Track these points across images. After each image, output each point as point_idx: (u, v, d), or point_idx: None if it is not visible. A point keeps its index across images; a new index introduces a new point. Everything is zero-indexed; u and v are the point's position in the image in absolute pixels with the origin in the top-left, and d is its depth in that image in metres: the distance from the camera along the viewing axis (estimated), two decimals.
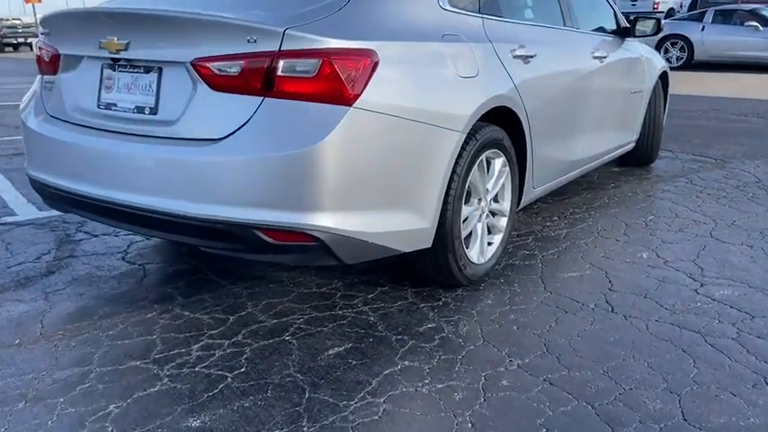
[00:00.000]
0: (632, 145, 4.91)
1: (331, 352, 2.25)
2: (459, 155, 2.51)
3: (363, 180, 2.15)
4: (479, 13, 2.83)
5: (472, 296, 2.73)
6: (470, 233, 2.78)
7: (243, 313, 2.54)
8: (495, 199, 2.97)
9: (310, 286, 2.79)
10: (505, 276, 2.94)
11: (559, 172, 3.57)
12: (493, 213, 2.96)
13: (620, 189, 4.60)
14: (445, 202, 2.48)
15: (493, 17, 2.91)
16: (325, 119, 2.03)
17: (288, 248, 2.13)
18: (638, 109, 4.67)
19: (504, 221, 2.99)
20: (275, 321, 2.46)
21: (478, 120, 2.61)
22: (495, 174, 2.85)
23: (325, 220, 2.08)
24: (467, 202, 2.74)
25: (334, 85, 2.04)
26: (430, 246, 2.50)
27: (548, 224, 3.74)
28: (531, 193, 3.26)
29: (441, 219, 2.50)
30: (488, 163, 2.82)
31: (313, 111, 2.04)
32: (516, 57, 2.91)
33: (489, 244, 2.94)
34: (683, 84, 10.66)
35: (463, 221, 2.69)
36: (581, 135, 3.70)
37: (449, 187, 2.48)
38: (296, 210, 2.05)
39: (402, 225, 2.33)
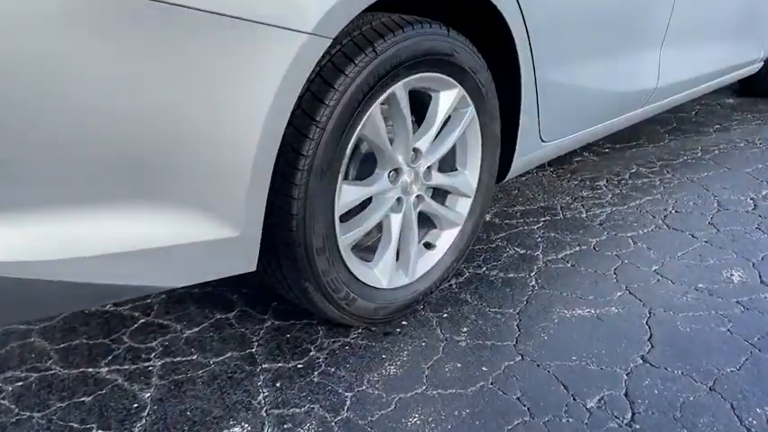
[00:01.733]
0: (758, 66, 3.25)
1: None
2: (323, 81, 1.17)
3: (25, 146, 0.88)
4: None
5: (372, 350, 1.45)
6: (380, 234, 1.47)
7: None
8: (447, 166, 1.61)
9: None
10: (457, 307, 1.63)
11: (603, 111, 2.10)
12: (442, 193, 1.62)
13: (728, 135, 3.01)
14: (284, 181, 1.18)
15: None
16: None
17: None
18: None
19: (464, 206, 1.64)
20: None
21: (375, 12, 1.26)
22: (439, 119, 1.46)
23: None
24: (361, 176, 1.42)
25: None
26: (254, 266, 1.22)
27: (581, 194, 2.30)
28: (538, 149, 1.84)
29: (279, 217, 1.21)
30: (419, 99, 1.46)
31: None
32: None
33: (428, 246, 1.61)
34: None
35: (346, 214, 1.38)
36: (650, 44, 2.18)
37: (295, 151, 1.17)
38: None
39: (157, 238, 1.05)
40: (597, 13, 1.82)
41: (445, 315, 1.58)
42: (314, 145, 1.18)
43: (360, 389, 1.33)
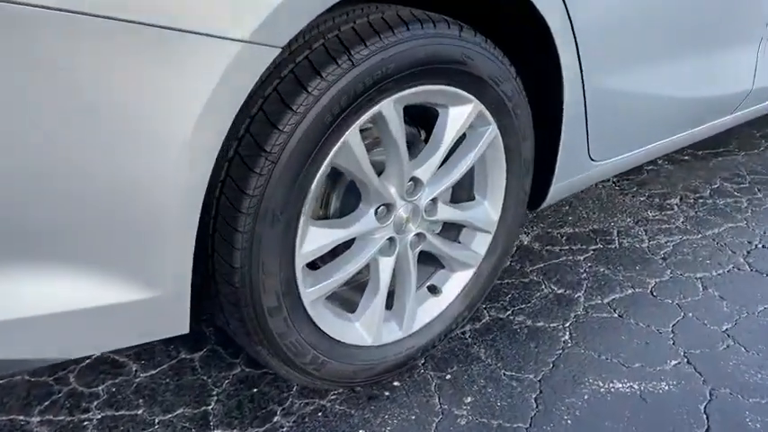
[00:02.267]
0: None
1: None
2: (280, 99, 0.90)
3: None
4: None
5: (350, 419, 1.19)
6: (365, 280, 1.19)
7: None
8: (462, 194, 1.31)
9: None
10: (465, 365, 1.34)
11: (677, 120, 1.72)
12: (456, 226, 1.32)
13: None
14: (226, 226, 0.92)
15: None
16: None
17: None
18: None
19: (481, 243, 1.33)
20: None
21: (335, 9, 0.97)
22: (447, 142, 1.15)
23: None
24: (343, 212, 1.15)
25: None
26: (187, 329, 0.97)
27: (647, 215, 1.93)
28: (585, 170, 1.49)
29: (221, 269, 0.95)
30: (422, 118, 1.16)
31: None
32: None
33: (433, 291, 1.32)
34: None
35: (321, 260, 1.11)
36: (746, 40, 1.77)
37: (238, 189, 0.91)
38: None
39: (43, 303, 0.82)
40: (671, 8, 1.44)
41: (448, 376, 1.29)
42: (263, 182, 0.91)
43: None
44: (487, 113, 1.17)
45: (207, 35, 0.77)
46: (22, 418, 1.19)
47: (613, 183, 2.13)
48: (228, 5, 0.78)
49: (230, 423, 1.17)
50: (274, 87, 0.91)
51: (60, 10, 0.67)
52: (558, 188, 1.44)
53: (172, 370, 1.30)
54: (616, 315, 1.48)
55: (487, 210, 1.30)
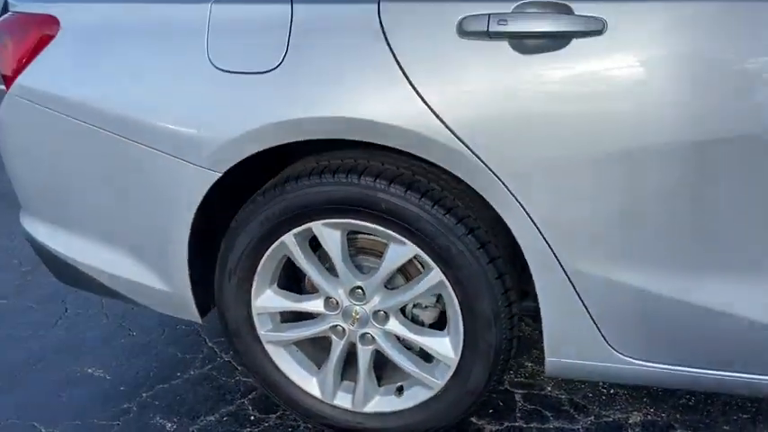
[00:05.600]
0: None
1: None
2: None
3: (57, 188, 1.61)
4: None
5: None
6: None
7: None
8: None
9: None
10: None
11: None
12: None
13: None
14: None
15: None
16: None
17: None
18: None
19: (443, 372, 1.44)
20: None
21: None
22: (385, 272, 1.37)
23: (29, 223, 1.74)
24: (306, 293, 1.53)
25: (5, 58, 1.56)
26: (199, 320, 1.60)
27: None
28: (607, 357, 1.33)
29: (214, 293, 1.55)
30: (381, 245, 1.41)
31: None
32: (479, 34, 1.16)
33: (399, 390, 1.52)
34: None
35: (292, 321, 1.55)
36: None
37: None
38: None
39: (127, 272, 1.60)
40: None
41: None
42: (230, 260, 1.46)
43: None
44: (428, 259, 1.34)
45: (185, 161, 1.37)
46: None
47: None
48: (194, 143, 1.36)
49: None
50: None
51: None
52: (562, 366, 1.37)
53: None
54: None
55: (447, 345, 1.42)
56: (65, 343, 2.04)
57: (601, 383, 1.70)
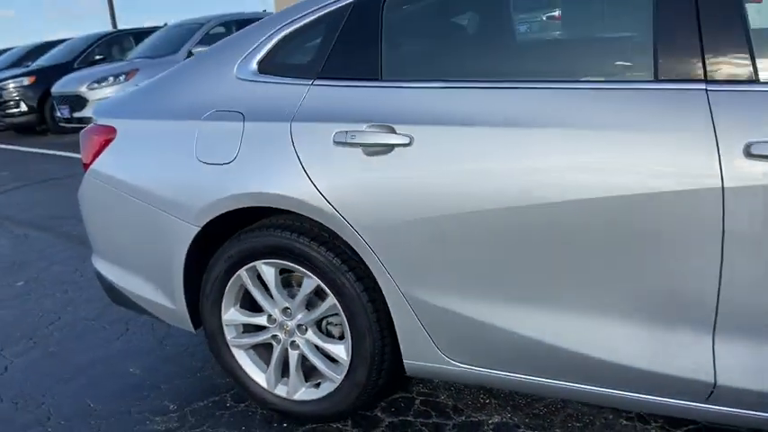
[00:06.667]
0: None
1: None
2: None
3: (110, 234, 2.43)
4: (313, 78, 1.97)
5: None
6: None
7: None
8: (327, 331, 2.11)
9: None
10: None
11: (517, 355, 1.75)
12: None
13: None
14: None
15: (341, 83, 1.92)
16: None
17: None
18: None
19: (343, 370, 2.07)
20: None
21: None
22: (300, 298, 2.06)
23: (96, 262, 2.57)
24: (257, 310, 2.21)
25: (83, 152, 2.43)
26: (193, 330, 2.34)
27: None
28: (440, 360, 1.91)
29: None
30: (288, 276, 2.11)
31: None
32: (342, 144, 1.86)
33: (317, 385, 2.15)
34: None
35: (248, 331, 2.24)
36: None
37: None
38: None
39: (150, 294, 2.38)
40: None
41: None
42: (205, 282, 2.20)
43: None
44: (326, 288, 2.01)
45: (181, 219, 2.15)
46: None
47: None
48: (185, 207, 2.13)
49: None
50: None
51: None
52: (411, 367, 1.97)
53: None
54: None
55: (343, 351, 2.06)
56: (120, 351, 2.83)
57: (482, 393, 2.25)
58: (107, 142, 2.34)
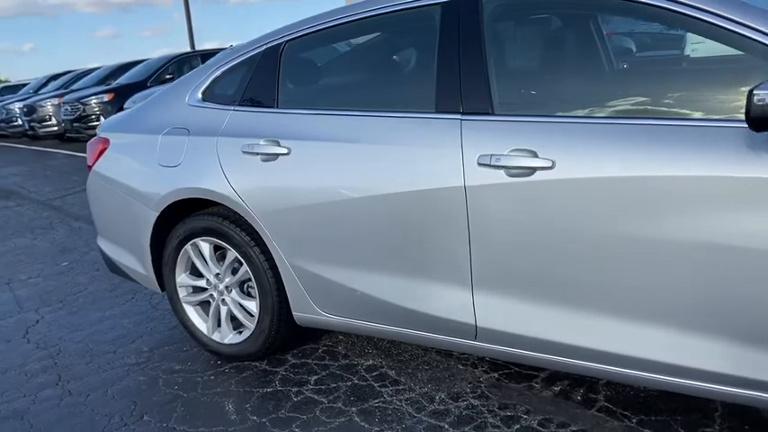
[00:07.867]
0: None
1: None
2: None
3: (106, 219, 3.25)
4: (234, 105, 2.72)
5: None
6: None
7: None
8: (247, 291, 2.83)
9: None
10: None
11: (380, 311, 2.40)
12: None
13: None
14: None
15: (250, 109, 2.66)
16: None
17: None
18: None
19: (253, 320, 2.80)
20: None
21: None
22: (225, 264, 2.80)
23: (99, 241, 3.42)
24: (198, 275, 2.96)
25: (88, 157, 3.28)
26: (160, 291, 3.12)
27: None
28: (316, 312, 2.61)
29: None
30: (218, 249, 2.85)
31: None
32: (247, 153, 2.59)
33: (240, 331, 2.89)
34: None
35: (194, 291, 3.01)
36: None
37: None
38: None
39: (132, 264, 3.18)
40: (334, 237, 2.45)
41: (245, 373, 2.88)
42: (164, 254, 3.00)
43: None
44: (241, 259, 2.75)
45: (146, 206, 2.95)
46: None
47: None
48: (149, 198, 2.93)
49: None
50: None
51: None
52: (299, 317, 2.68)
53: None
54: None
55: (254, 306, 2.79)
56: (123, 312, 3.67)
57: (367, 345, 2.93)
58: (104, 150, 3.17)
